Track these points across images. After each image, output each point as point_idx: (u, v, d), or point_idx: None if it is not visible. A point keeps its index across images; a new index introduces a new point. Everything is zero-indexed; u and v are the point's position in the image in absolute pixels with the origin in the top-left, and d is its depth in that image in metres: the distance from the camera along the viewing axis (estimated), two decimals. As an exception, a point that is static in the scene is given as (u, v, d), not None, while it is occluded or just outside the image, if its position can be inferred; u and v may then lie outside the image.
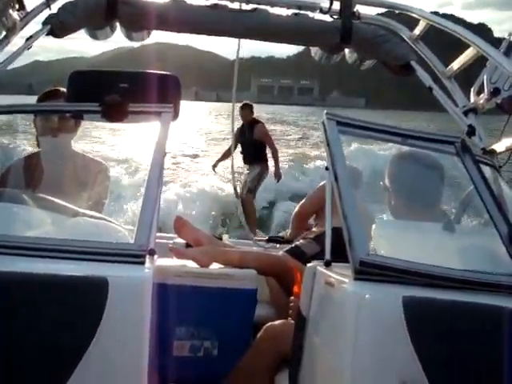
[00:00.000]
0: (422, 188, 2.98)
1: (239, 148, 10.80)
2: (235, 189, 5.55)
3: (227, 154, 11.22)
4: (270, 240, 4.61)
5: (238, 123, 10.44)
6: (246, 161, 11.17)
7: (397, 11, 3.86)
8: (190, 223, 3.84)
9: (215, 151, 23.42)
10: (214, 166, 11.78)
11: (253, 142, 10.75)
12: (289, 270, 3.16)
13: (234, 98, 4.72)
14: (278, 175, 11.16)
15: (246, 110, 10.95)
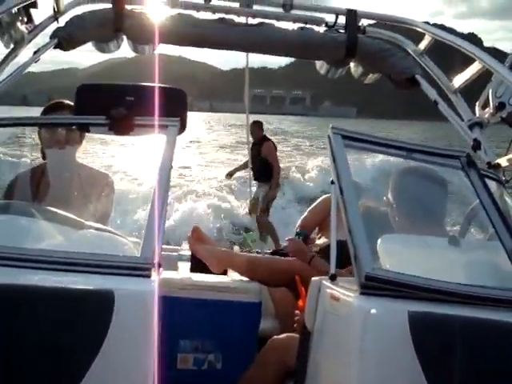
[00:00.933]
0: (425, 203, 2.97)
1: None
2: (252, 205, 5.54)
3: (243, 166, 11.35)
4: (274, 253, 4.61)
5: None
6: (255, 177, 10.87)
7: (402, 25, 3.87)
8: (207, 237, 3.86)
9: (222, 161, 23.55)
10: (230, 175, 11.91)
11: (261, 160, 10.80)
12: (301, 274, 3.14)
13: (247, 108, 4.75)
14: (271, 195, 11.07)
15: (255, 126, 11.02)
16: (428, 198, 3.01)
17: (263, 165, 10.84)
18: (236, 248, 4.57)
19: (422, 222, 2.91)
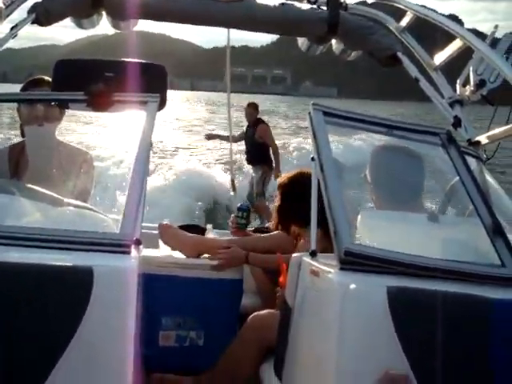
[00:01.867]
0: (403, 180, 2.98)
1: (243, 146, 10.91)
2: (232, 181, 5.46)
3: (225, 138, 11.07)
4: (256, 230, 4.61)
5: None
6: (248, 161, 11.16)
7: (383, 2, 3.86)
8: (173, 228, 3.81)
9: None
10: (211, 137, 11.87)
11: (255, 143, 10.74)
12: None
13: (228, 87, 4.72)
14: (276, 175, 10.53)
15: (250, 108, 10.94)
16: (405, 175, 3.01)
17: (257, 148, 10.74)
18: (209, 226, 4.54)
19: (399, 199, 2.92)
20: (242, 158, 12.33)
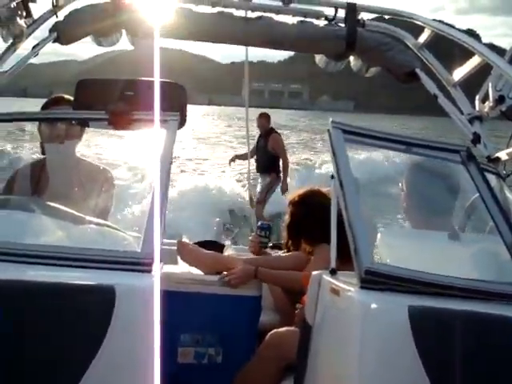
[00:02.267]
0: (437, 196, 2.96)
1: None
2: (251, 198, 5.46)
3: (245, 156, 10.61)
4: (274, 247, 4.61)
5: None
6: (258, 169, 11.17)
7: (401, 18, 3.86)
8: (191, 246, 3.82)
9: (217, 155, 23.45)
10: (232, 160, 11.67)
11: (266, 152, 10.76)
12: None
13: (247, 103, 4.73)
14: (283, 189, 10.86)
15: (262, 119, 11.02)
16: (439, 192, 2.99)
17: (268, 157, 10.80)
18: (228, 243, 4.55)
19: (431, 215, 2.89)
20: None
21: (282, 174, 10.87)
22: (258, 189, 10.97)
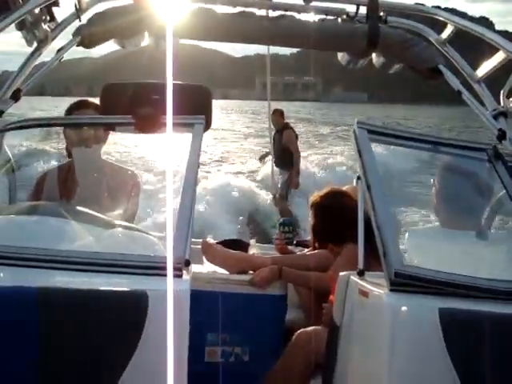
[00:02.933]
0: (468, 200, 2.94)
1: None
2: (274, 196, 5.45)
3: (269, 153, 11.58)
4: (298, 244, 4.62)
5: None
6: (276, 164, 11.30)
7: (424, 14, 3.84)
8: (216, 246, 3.85)
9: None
10: (263, 158, 12.44)
11: (282, 147, 11.06)
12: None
13: (269, 96, 4.72)
14: (293, 183, 11.25)
15: (276, 115, 11.26)
16: (470, 194, 2.97)
17: (284, 152, 11.06)
18: (252, 241, 4.56)
19: (460, 214, 2.87)
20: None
21: (287, 172, 11.23)
22: (279, 185, 11.24)
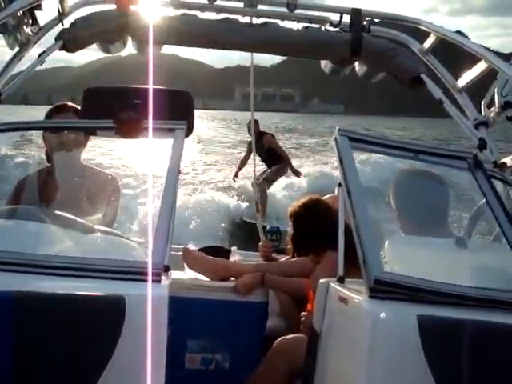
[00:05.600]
0: (426, 204, 2.97)
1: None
2: (257, 202, 5.45)
3: (244, 162, 12.97)
4: (276, 251, 4.61)
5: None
6: (268, 166, 12.69)
7: (406, 24, 3.86)
8: (197, 253, 3.83)
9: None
10: (235, 176, 13.28)
11: (266, 151, 12.27)
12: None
13: (252, 105, 4.74)
14: (295, 172, 13.07)
15: (254, 124, 11.85)
16: (430, 200, 3.00)
17: (270, 154, 12.35)
18: (234, 248, 4.55)
19: (425, 224, 2.90)
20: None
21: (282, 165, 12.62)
22: (269, 170, 12.50)
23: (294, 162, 14.38)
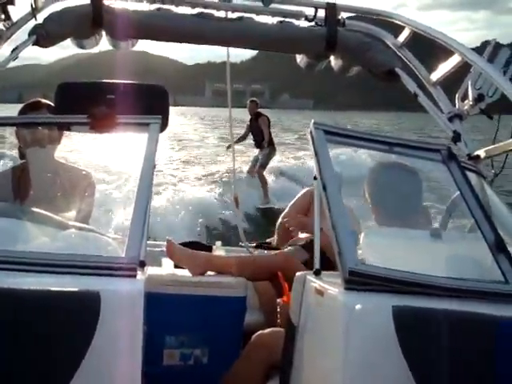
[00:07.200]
0: (399, 196, 3.00)
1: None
2: (235, 197, 5.42)
3: (240, 139, 14.80)
4: (258, 246, 4.62)
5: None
6: (256, 145, 14.85)
7: (381, 18, 3.88)
8: (179, 246, 3.82)
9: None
10: (228, 147, 14.76)
11: (260, 130, 14.34)
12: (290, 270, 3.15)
13: (229, 101, 4.75)
14: (272, 156, 14.76)
15: (253, 104, 14.85)
16: (401, 191, 3.03)
17: (261, 134, 14.33)
18: (218, 243, 4.54)
19: (396, 215, 2.94)
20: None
21: (267, 149, 14.34)
22: (260, 156, 14.45)
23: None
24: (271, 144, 14.58)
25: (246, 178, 14.74)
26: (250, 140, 15.26)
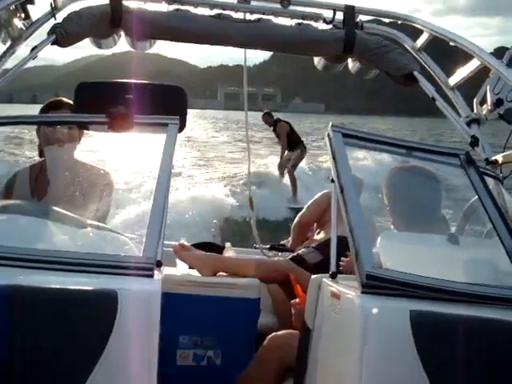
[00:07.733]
0: (420, 201, 2.98)
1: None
2: (250, 199, 5.41)
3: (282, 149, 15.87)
4: (272, 248, 4.61)
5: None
6: (288, 150, 15.60)
7: (400, 21, 3.87)
8: (190, 247, 3.81)
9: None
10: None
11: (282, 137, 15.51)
12: (289, 277, 3.15)
13: (245, 103, 4.74)
14: (300, 157, 15.69)
15: (266, 116, 15.96)
16: (422, 196, 3.02)
17: (287, 139, 15.39)
18: (228, 244, 4.54)
19: (417, 220, 2.92)
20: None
21: (298, 150, 15.39)
22: (293, 156, 15.34)
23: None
24: (300, 145, 15.54)
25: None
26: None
